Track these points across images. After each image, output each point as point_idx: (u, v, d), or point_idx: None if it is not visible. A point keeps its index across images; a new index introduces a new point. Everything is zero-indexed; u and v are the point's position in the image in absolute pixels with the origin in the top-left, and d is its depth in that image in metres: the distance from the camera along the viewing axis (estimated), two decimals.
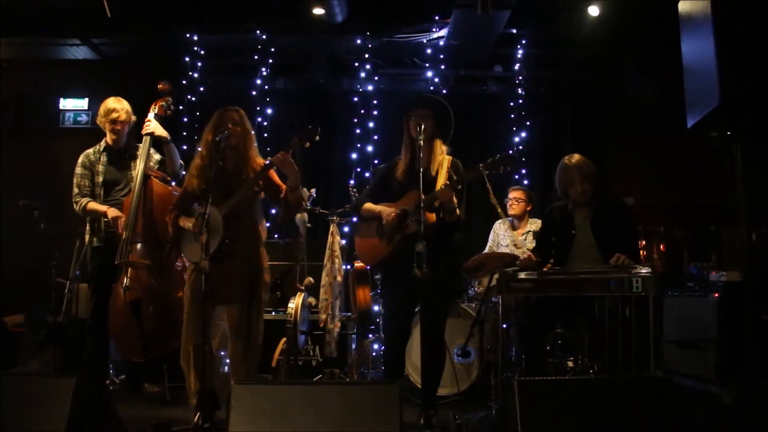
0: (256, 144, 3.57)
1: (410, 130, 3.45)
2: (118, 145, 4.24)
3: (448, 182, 3.31)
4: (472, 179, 3.40)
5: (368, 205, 3.59)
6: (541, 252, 3.80)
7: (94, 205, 4.11)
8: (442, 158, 3.48)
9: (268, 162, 3.37)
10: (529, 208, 5.10)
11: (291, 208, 3.47)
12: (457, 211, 3.34)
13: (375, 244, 3.53)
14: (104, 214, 4.07)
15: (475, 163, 3.36)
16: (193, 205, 3.52)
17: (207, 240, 3.16)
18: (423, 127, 3.35)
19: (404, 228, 3.38)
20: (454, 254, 3.58)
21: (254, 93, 6.44)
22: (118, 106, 4.19)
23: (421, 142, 3.31)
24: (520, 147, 6.45)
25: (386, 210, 3.46)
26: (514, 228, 5.10)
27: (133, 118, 4.28)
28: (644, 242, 5.37)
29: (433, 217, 3.38)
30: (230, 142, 3.39)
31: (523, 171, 6.50)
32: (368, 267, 4.68)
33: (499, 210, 4.51)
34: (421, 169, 3.23)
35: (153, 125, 4.13)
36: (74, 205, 4.16)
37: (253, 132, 3.58)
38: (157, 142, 4.18)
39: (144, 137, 4.14)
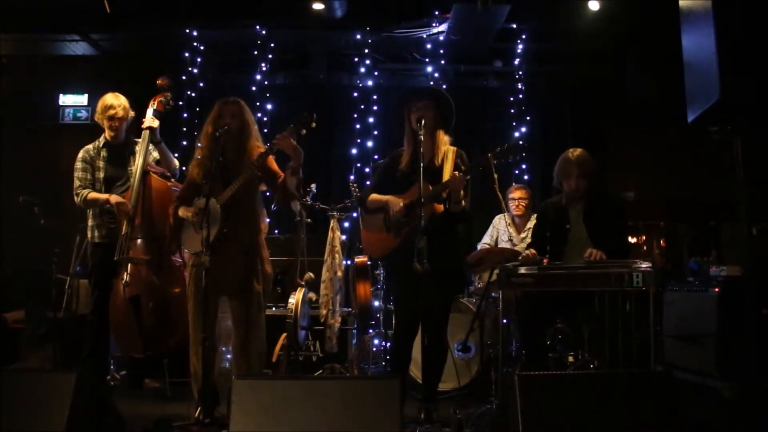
0: (257, 133, 3.52)
1: (411, 122, 3.43)
2: (117, 141, 4.23)
3: (457, 172, 3.28)
4: (479, 170, 3.38)
5: (374, 196, 3.55)
6: (536, 247, 3.81)
7: (94, 195, 4.10)
8: (447, 149, 3.46)
9: (268, 147, 3.34)
10: (530, 207, 5.09)
11: (290, 193, 3.42)
12: (463, 202, 3.32)
13: (382, 237, 3.49)
14: (106, 202, 4.05)
15: (475, 158, 3.36)
16: (196, 197, 3.50)
17: (208, 234, 3.16)
18: (424, 119, 3.33)
19: (413, 220, 3.33)
20: (457, 245, 3.57)
21: (254, 88, 6.41)
22: (115, 102, 4.18)
23: (422, 135, 3.29)
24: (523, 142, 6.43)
25: (393, 200, 3.43)
26: (515, 226, 5.07)
27: (132, 113, 4.27)
28: (645, 237, 5.37)
29: (440, 207, 3.35)
30: (229, 135, 3.36)
31: (523, 166, 6.49)
32: (368, 263, 4.69)
33: (504, 205, 4.49)
34: (426, 160, 3.20)
35: (153, 121, 4.12)
36: (75, 198, 4.14)
37: (254, 122, 3.54)
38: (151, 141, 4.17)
39: (143, 132, 4.14)
